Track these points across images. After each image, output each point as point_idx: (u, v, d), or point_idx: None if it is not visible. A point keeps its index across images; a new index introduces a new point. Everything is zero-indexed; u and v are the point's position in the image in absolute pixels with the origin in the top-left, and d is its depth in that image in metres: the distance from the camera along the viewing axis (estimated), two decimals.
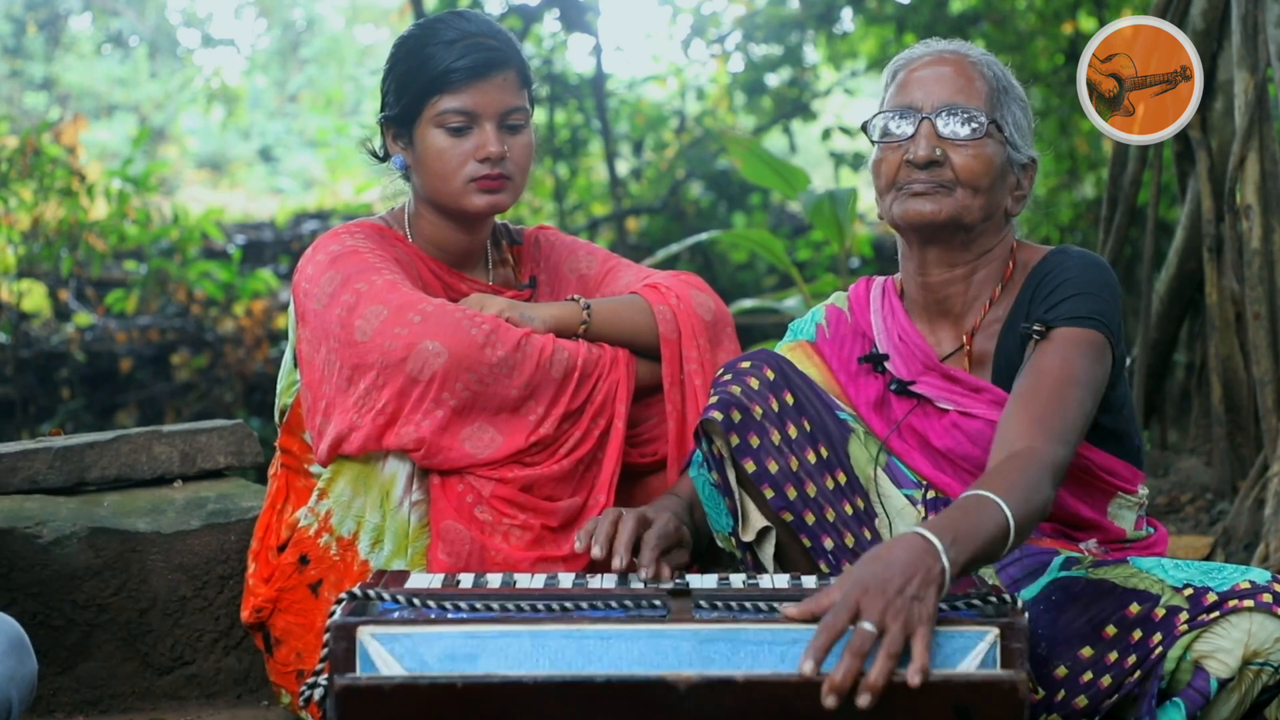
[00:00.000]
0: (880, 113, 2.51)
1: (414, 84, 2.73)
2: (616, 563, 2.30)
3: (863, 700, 1.83)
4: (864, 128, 2.54)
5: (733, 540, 2.49)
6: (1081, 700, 2.25)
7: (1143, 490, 2.52)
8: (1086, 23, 8.91)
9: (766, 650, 1.92)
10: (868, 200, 2.76)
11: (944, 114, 2.45)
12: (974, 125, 2.45)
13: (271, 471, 2.86)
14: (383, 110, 2.81)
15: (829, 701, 1.83)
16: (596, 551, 2.33)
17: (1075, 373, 2.33)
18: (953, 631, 1.93)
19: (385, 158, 2.85)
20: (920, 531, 1.97)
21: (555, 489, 2.66)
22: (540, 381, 2.62)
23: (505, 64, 2.74)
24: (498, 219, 2.93)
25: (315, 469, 2.74)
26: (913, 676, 1.84)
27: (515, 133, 2.75)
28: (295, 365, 2.79)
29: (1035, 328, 2.40)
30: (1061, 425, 2.25)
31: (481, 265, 2.90)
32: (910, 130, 2.46)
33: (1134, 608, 2.25)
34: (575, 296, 2.78)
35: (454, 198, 2.74)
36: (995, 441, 2.26)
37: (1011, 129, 2.49)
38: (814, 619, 1.91)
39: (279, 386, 2.84)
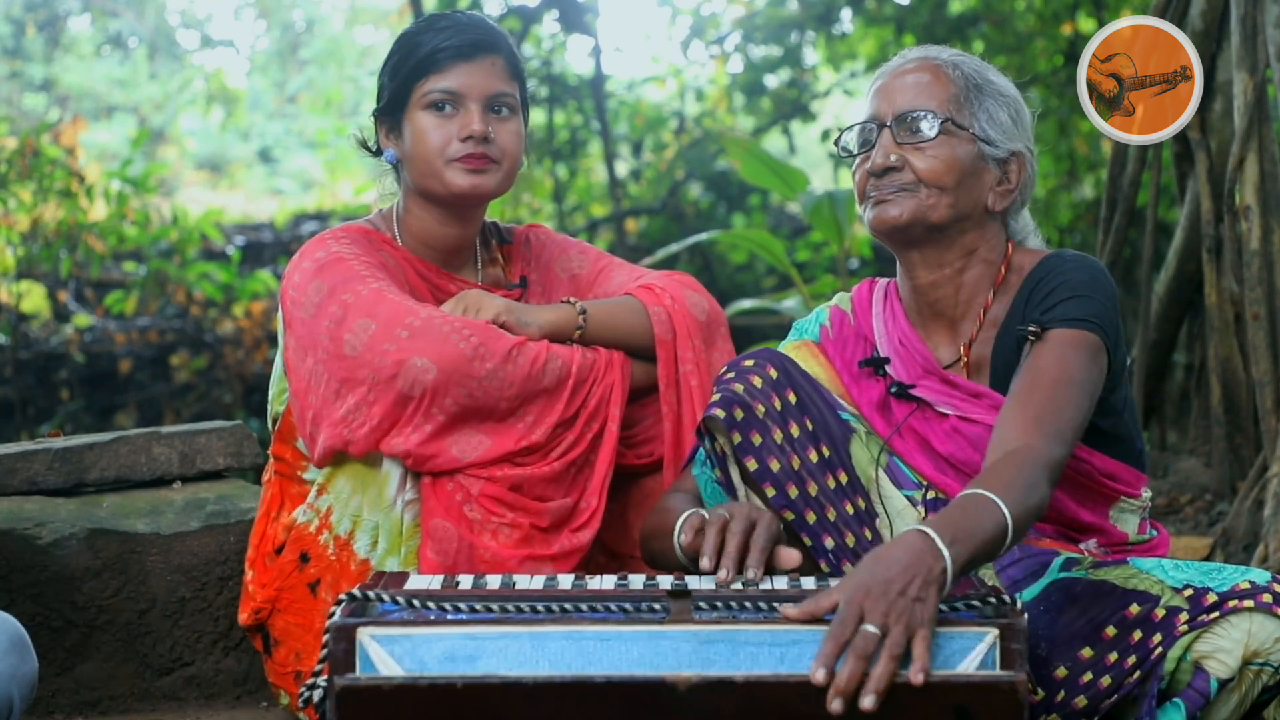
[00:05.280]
0: (849, 127, 2.58)
1: (403, 69, 2.75)
2: (722, 574, 2.18)
3: (867, 702, 1.85)
4: (836, 143, 2.59)
5: None
6: (1081, 701, 2.25)
7: (1145, 494, 2.52)
8: (1086, 23, 8.91)
9: (766, 651, 1.92)
10: None
11: (900, 121, 2.49)
12: (931, 127, 2.48)
13: (265, 478, 2.85)
14: (377, 105, 2.82)
15: (835, 706, 1.85)
16: (705, 564, 2.20)
17: (1071, 372, 2.34)
18: (952, 633, 1.93)
19: (378, 153, 2.85)
20: (922, 529, 1.99)
21: (546, 489, 2.64)
22: (532, 391, 2.61)
23: (493, 48, 2.74)
24: (487, 218, 2.91)
25: (309, 476, 2.73)
26: (915, 676, 1.86)
27: (503, 120, 2.75)
28: (285, 372, 2.77)
29: (1031, 329, 2.40)
30: (1057, 424, 2.26)
31: (471, 265, 2.88)
32: (871, 140, 2.52)
33: (1134, 608, 2.25)
34: (571, 300, 2.77)
35: (437, 176, 2.73)
36: (992, 440, 2.28)
37: (984, 125, 2.50)
38: (813, 620, 1.92)
39: (271, 393, 2.83)
